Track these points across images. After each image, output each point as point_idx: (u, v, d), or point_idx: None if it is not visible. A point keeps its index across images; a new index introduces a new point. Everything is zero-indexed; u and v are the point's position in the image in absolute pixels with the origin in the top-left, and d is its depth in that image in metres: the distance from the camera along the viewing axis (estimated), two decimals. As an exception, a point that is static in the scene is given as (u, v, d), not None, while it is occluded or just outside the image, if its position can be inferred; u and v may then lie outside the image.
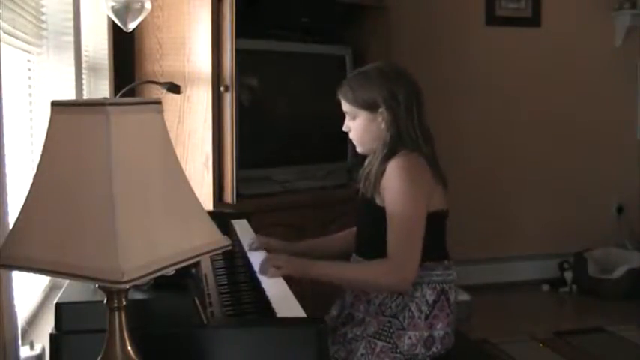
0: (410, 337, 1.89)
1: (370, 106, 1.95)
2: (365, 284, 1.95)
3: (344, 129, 2.04)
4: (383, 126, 1.94)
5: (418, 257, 1.84)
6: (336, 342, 1.92)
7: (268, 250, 2.06)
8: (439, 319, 1.92)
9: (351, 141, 2.07)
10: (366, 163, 2.06)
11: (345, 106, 2.01)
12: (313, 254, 2.12)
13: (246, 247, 2.10)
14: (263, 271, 1.83)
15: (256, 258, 1.96)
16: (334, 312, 2.10)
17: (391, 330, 1.89)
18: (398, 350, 1.88)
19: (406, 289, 1.90)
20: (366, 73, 2.00)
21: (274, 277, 1.80)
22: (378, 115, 1.95)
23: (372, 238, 1.99)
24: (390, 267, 1.85)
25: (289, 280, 1.81)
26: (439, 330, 1.92)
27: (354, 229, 2.13)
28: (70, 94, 2.11)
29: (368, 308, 1.97)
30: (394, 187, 1.87)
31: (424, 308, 1.91)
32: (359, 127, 1.99)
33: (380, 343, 1.88)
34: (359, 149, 2.06)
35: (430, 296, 1.92)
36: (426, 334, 1.90)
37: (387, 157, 1.91)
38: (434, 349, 1.91)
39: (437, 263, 1.94)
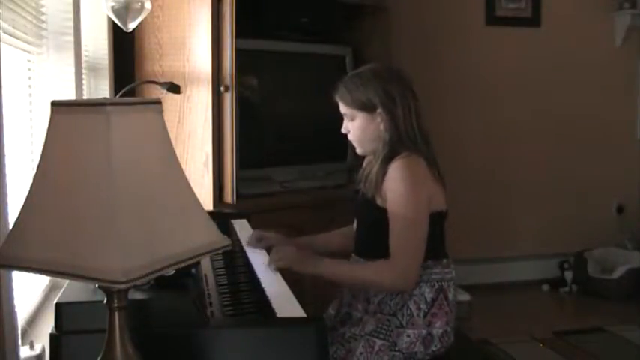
0: (408, 335, 1.90)
1: (368, 107, 1.95)
2: (367, 284, 1.96)
3: (343, 130, 2.05)
4: (382, 127, 1.95)
5: (421, 259, 1.87)
6: (334, 341, 1.92)
7: (269, 249, 2.06)
8: (437, 317, 1.92)
9: (350, 141, 2.08)
10: (365, 163, 2.07)
11: (343, 108, 2.01)
12: (312, 250, 2.12)
13: (245, 244, 2.11)
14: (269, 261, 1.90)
15: (256, 257, 1.96)
16: (332, 311, 2.11)
17: (390, 328, 1.90)
18: (396, 348, 1.89)
19: (408, 290, 1.91)
20: (361, 75, 2.01)
21: (276, 266, 1.85)
22: (376, 115, 1.95)
23: (371, 238, 2.00)
24: (393, 268, 1.86)
25: (289, 280, 1.81)
26: (438, 328, 1.92)
27: (354, 225, 2.14)
28: (70, 94, 2.11)
29: (367, 307, 1.98)
30: (397, 189, 1.88)
31: (423, 306, 1.92)
32: (357, 128, 1.99)
33: (378, 342, 1.89)
34: (358, 150, 2.06)
35: (429, 294, 1.92)
36: (424, 332, 1.90)
37: (388, 159, 1.91)
38: (433, 348, 1.91)
39: (436, 262, 1.95)
